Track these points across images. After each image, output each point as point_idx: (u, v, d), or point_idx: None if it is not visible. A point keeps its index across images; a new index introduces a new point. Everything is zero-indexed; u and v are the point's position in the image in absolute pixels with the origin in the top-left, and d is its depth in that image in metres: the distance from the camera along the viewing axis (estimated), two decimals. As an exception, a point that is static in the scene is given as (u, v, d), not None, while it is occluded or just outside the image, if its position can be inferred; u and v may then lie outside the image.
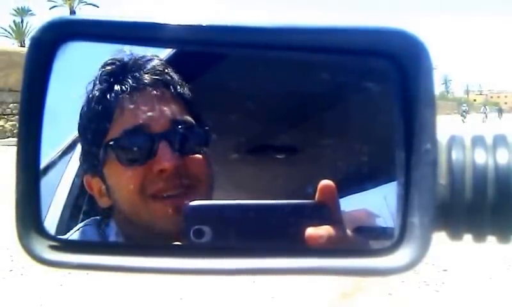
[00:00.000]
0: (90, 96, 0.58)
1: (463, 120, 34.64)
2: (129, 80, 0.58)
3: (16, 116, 0.49)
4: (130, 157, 0.57)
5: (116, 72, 0.58)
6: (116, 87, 0.58)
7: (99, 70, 0.58)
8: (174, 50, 0.57)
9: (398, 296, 3.62)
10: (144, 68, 0.59)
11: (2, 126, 17.94)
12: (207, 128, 0.58)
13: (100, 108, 0.58)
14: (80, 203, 0.64)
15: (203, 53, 0.53)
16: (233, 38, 0.47)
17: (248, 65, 0.54)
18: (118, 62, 0.58)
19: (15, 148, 0.47)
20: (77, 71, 0.56)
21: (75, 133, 0.61)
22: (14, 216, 0.46)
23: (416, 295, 3.66)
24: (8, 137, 16.81)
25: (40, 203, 0.49)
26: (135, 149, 0.58)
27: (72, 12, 49.35)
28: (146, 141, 0.57)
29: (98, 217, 0.61)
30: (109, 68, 0.58)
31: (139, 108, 0.58)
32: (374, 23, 0.45)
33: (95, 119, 0.58)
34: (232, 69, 0.55)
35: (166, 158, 0.56)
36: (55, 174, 0.61)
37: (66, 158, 0.65)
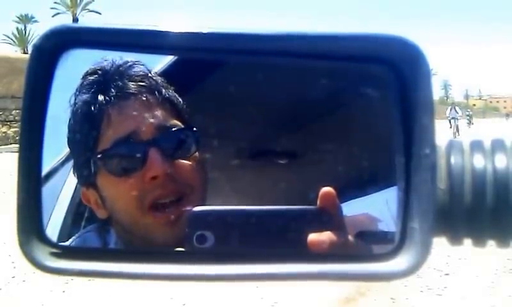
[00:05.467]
0: (74, 108, 0.57)
1: (468, 125, 34.06)
2: (113, 90, 0.58)
3: (19, 123, 0.49)
4: (122, 167, 0.57)
5: (98, 82, 0.57)
6: (100, 98, 0.57)
7: (80, 81, 0.57)
8: (175, 57, 0.57)
9: (400, 301, 3.61)
10: (127, 75, 0.58)
11: (4, 132, 17.98)
12: (195, 130, 0.57)
13: (85, 120, 0.58)
14: (82, 210, 0.64)
15: (204, 60, 0.54)
16: (234, 45, 0.47)
17: (248, 71, 0.54)
18: (99, 71, 0.57)
19: (17, 154, 0.47)
20: (79, 79, 0.56)
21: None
22: (15, 223, 0.47)
23: (419, 300, 3.65)
24: (11, 143, 16.84)
25: (42, 210, 0.49)
26: (126, 159, 0.57)
27: (75, 19, 49.52)
28: (136, 150, 0.56)
29: (98, 224, 0.61)
30: (90, 78, 0.57)
31: (125, 117, 0.58)
32: (373, 30, 0.45)
33: (82, 131, 0.58)
34: (233, 75, 0.55)
35: (156, 164, 0.55)
36: (57, 181, 0.61)
37: (68, 165, 0.65)
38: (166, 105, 0.58)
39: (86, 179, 0.59)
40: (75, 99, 0.57)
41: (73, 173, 0.60)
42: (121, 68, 0.57)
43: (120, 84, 0.58)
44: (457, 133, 20.59)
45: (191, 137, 0.57)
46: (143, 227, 0.57)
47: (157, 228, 0.56)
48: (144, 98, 0.58)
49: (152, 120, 0.57)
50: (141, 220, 0.57)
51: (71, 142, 0.58)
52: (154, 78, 0.58)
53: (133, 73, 0.58)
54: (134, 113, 0.58)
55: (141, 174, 0.55)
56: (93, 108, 0.57)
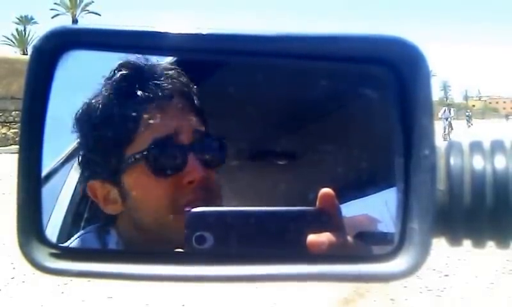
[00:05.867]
0: (102, 101, 0.56)
1: (468, 125, 34.05)
2: (153, 87, 0.57)
3: (19, 124, 0.49)
4: (161, 167, 0.56)
5: (134, 78, 0.56)
6: (140, 94, 0.57)
7: (113, 74, 0.56)
8: (175, 58, 0.57)
9: (400, 301, 3.61)
10: (165, 76, 0.57)
11: (4, 133, 17.97)
12: (224, 140, 0.58)
13: (120, 114, 0.57)
14: (81, 210, 0.64)
15: (204, 61, 0.54)
16: (234, 46, 0.47)
17: (248, 72, 0.54)
18: (132, 68, 0.56)
19: (17, 155, 0.47)
20: (78, 80, 0.56)
21: (76, 141, 0.61)
22: (15, 224, 0.47)
23: (418, 301, 3.65)
24: (11, 144, 16.83)
25: (42, 211, 0.49)
26: (166, 160, 0.57)
27: (75, 20, 49.51)
28: (177, 152, 0.56)
29: (97, 225, 0.61)
30: (124, 72, 0.56)
31: (166, 117, 0.57)
32: (372, 31, 0.45)
33: (114, 125, 0.57)
34: (233, 76, 0.56)
35: (196, 169, 0.56)
36: (56, 181, 0.61)
37: (68, 165, 0.65)
38: (198, 111, 0.58)
39: (107, 173, 0.58)
40: (106, 92, 0.56)
41: (81, 166, 0.59)
42: (156, 68, 0.57)
43: (160, 83, 0.57)
44: (448, 135, 20.42)
45: (223, 148, 0.58)
46: (168, 227, 0.57)
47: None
48: (182, 101, 0.58)
49: (189, 125, 0.57)
50: (168, 221, 0.57)
51: (94, 134, 0.57)
52: (189, 84, 0.58)
53: (170, 74, 0.57)
54: (175, 114, 0.58)
55: (179, 176, 0.56)
56: (131, 103, 0.57)
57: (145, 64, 0.57)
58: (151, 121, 0.56)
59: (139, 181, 0.58)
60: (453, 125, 23.17)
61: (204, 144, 0.57)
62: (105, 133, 0.57)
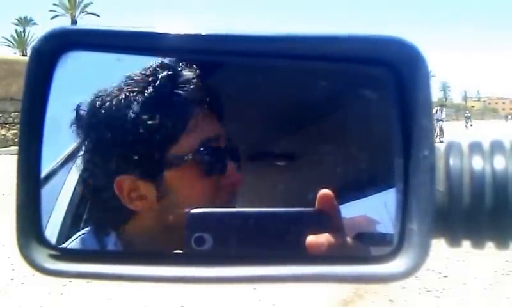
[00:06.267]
0: (141, 99, 0.57)
1: (466, 126, 33.81)
2: (195, 91, 0.58)
3: (18, 125, 0.49)
4: (209, 169, 0.58)
5: (177, 79, 0.57)
6: (185, 95, 0.57)
7: (153, 73, 0.57)
8: (174, 59, 0.57)
9: (399, 302, 3.61)
10: (200, 80, 0.58)
11: (4, 135, 17.96)
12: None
13: (166, 113, 0.57)
14: (81, 211, 0.64)
15: (203, 61, 0.54)
16: (233, 47, 0.47)
17: (246, 73, 0.54)
18: (174, 69, 0.57)
19: (16, 156, 0.47)
20: (78, 81, 0.56)
21: (76, 142, 0.61)
22: (14, 225, 0.47)
23: (417, 302, 3.65)
24: (10, 145, 16.82)
25: (41, 212, 0.49)
26: (214, 162, 0.58)
27: (74, 21, 49.54)
28: (221, 155, 0.58)
29: (95, 226, 0.61)
30: (169, 72, 0.57)
31: (211, 120, 0.58)
32: (372, 31, 0.45)
33: (158, 124, 0.57)
34: (232, 77, 0.56)
35: (235, 173, 0.57)
36: (56, 183, 0.61)
37: (67, 166, 0.65)
38: (222, 117, 0.60)
39: (144, 170, 0.58)
40: (150, 90, 0.57)
41: (111, 160, 0.58)
42: (190, 72, 0.57)
43: (201, 86, 0.58)
44: (440, 136, 19.43)
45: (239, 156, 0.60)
46: None
47: None
48: (216, 107, 0.59)
49: (223, 130, 0.58)
50: None
51: (130, 131, 0.57)
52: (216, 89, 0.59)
53: (201, 81, 0.58)
54: (213, 119, 0.59)
55: (220, 178, 0.57)
56: (176, 104, 0.58)
57: (182, 67, 0.57)
58: (197, 124, 0.58)
59: (185, 180, 0.58)
60: (444, 129, 21.37)
61: (235, 151, 0.59)
62: (147, 131, 0.57)
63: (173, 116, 0.57)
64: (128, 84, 0.57)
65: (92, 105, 0.57)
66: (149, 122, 0.56)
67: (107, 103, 0.57)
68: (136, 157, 0.57)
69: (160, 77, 0.57)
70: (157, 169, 0.58)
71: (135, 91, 0.57)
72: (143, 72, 0.57)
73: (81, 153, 0.59)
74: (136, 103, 0.57)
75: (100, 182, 0.59)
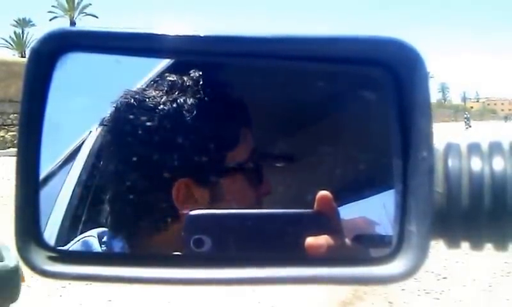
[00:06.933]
0: (199, 104, 0.58)
1: (466, 128, 33.76)
2: (234, 103, 0.59)
3: (17, 127, 0.49)
4: (256, 178, 0.60)
5: (217, 90, 0.59)
6: (238, 105, 0.58)
7: (195, 82, 0.58)
8: (172, 60, 0.57)
9: (398, 304, 3.61)
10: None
11: (2, 136, 17.94)
12: None
13: (227, 121, 0.59)
14: (79, 213, 0.64)
15: (202, 63, 0.54)
16: (232, 48, 0.47)
17: (245, 74, 0.54)
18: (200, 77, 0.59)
19: (15, 158, 0.47)
20: (77, 83, 0.56)
21: (74, 144, 0.61)
22: (13, 226, 0.46)
23: (416, 303, 3.65)
24: (9, 147, 16.80)
25: (40, 214, 0.49)
26: (258, 172, 0.60)
27: (72, 23, 49.54)
28: (261, 166, 0.60)
29: (100, 230, 0.61)
30: (218, 80, 0.59)
31: (250, 130, 0.60)
32: (370, 32, 0.46)
33: (221, 131, 0.59)
34: (229, 78, 0.56)
35: (269, 183, 0.59)
36: (55, 184, 0.61)
37: (66, 168, 0.65)
38: None
39: (202, 174, 0.59)
40: (206, 97, 0.58)
41: (172, 165, 0.58)
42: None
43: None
44: None
45: None
46: None
47: None
48: (250, 117, 0.61)
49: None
50: None
51: (191, 136, 0.58)
52: None
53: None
54: (251, 130, 0.61)
55: (258, 187, 0.59)
56: (232, 113, 0.59)
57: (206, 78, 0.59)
58: (245, 133, 0.60)
59: (238, 188, 0.60)
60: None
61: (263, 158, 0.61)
62: (207, 137, 0.59)
63: (230, 124, 0.59)
64: (182, 89, 0.58)
65: (140, 107, 0.58)
66: (209, 128, 0.58)
67: (161, 106, 0.58)
68: (195, 161, 0.58)
69: (198, 85, 0.58)
70: (215, 175, 0.59)
71: (192, 96, 0.58)
72: (191, 75, 0.58)
73: (118, 153, 0.60)
74: (194, 108, 0.58)
75: (149, 184, 0.59)
